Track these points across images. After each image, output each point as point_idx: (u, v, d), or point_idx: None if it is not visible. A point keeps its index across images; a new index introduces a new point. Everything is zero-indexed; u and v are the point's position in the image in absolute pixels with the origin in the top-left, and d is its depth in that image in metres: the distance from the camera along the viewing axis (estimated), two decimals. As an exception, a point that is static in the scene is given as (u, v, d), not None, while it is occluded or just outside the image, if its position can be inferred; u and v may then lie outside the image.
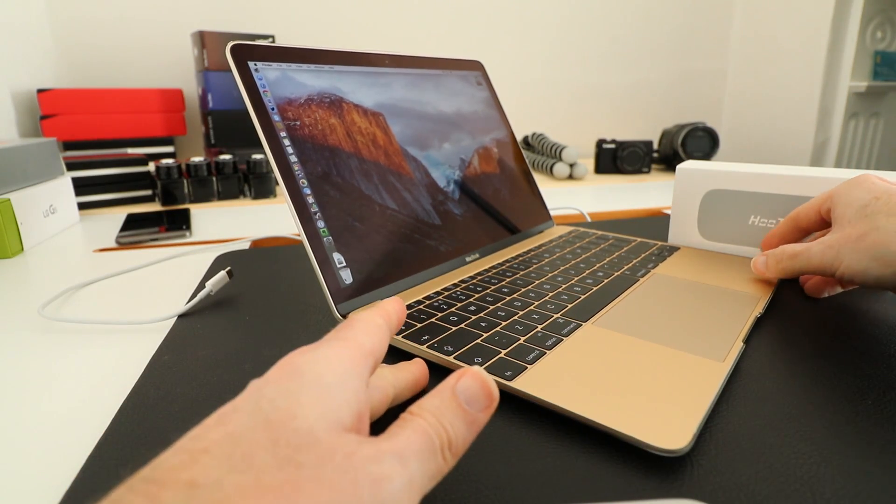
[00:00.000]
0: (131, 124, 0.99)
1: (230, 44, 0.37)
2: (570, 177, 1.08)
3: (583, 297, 0.38)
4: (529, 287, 0.40)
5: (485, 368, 0.28)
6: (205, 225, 0.71)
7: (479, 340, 0.32)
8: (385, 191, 0.41)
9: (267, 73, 0.39)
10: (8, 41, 0.90)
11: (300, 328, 0.37)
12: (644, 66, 1.50)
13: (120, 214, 0.77)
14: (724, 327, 0.33)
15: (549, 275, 0.43)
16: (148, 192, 0.86)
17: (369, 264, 0.38)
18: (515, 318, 0.35)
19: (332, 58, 0.43)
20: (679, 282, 0.41)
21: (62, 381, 0.32)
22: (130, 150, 0.98)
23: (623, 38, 1.46)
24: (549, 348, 0.31)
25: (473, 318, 0.35)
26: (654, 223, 0.67)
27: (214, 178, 0.86)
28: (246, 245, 0.61)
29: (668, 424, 0.23)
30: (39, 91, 0.91)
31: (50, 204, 0.66)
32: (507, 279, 0.42)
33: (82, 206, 0.80)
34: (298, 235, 0.39)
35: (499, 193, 0.53)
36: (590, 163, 1.28)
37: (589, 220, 0.71)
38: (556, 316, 0.35)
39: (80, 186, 0.80)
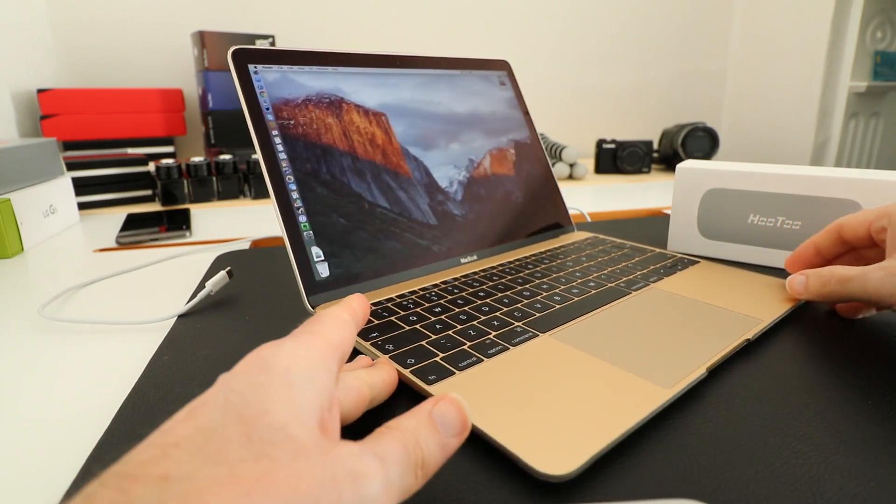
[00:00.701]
0: (131, 124, 0.99)
1: (232, 49, 0.38)
2: (571, 177, 1.09)
3: (558, 306, 0.37)
4: (508, 292, 0.39)
5: (411, 371, 0.28)
6: (205, 225, 0.71)
7: (423, 342, 0.31)
8: (377, 189, 0.42)
9: (266, 75, 0.39)
10: (8, 41, 0.90)
11: (300, 328, 0.37)
12: (644, 66, 1.50)
13: (120, 214, 0.77)
14: (694, 352, 0.30)
15: (537, 281, 0.42)
16: (148, 192, 0.86)
17: (350, 260, 0.38)
18: (475, 322, 0.34)
19: (336, 59, 0.43)
20: (675, 298, 0.38)
21: (62, 381, 0.32)
22: (130, 150, 0.98)
23: (623, 38, 1.46)
24: (490, 357, 0.30)
25: (433, 318, 0.35)
26: (655, 223, 0.67)
27: (214, 178, 0.86)
28: (246, 245, 0.61)
29: (561, 448, 0.22)
30: (39, 91, 0.91)
31: (50, 204, 0.66)
32: (491, 283, 0.41)
33: (82, 206, 0.80)
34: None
35: (510, 196, 0.51)
36: (590, 163, 1.28)
37: (589, 220, 0.71)
38: (516, 324, 0.34)
39: (80, 186, 0.80)
